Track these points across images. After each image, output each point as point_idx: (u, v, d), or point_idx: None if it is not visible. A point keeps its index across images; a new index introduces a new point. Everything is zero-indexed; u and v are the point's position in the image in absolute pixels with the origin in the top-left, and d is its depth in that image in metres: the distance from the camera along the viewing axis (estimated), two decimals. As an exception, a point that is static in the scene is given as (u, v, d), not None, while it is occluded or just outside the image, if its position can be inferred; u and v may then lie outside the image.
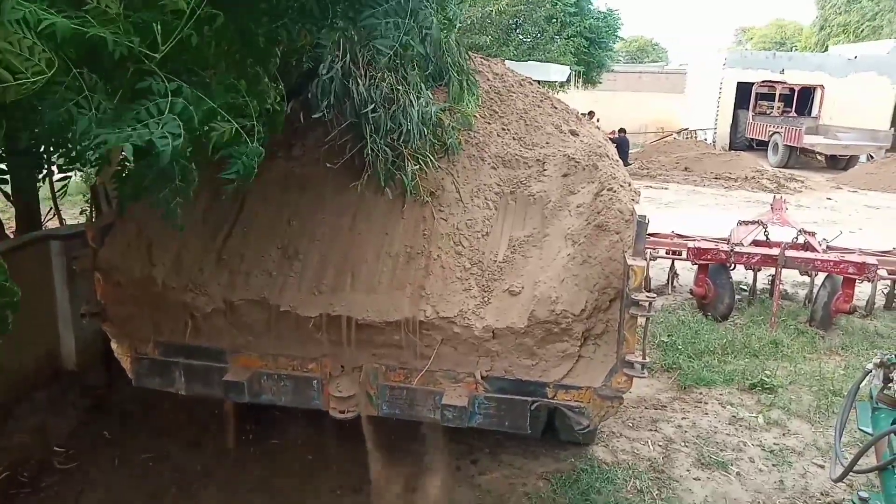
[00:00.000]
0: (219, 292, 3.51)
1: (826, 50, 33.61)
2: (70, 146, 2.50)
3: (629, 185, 3.84)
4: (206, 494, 3.81)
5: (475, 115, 3.96)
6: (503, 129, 4.11)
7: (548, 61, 16.56)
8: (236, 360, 3.63)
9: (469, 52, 4.18)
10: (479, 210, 3.72)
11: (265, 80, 2.83)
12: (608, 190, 3.57)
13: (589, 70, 22.54)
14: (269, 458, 4.13)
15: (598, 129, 5.16)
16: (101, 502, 3.69)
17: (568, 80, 18.99)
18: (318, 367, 3.55)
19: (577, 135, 4.22)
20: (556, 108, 4.49)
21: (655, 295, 3.29)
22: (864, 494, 2.63)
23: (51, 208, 5.41)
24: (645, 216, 3.15)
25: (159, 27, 1.97)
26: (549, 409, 3.52)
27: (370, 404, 3.55)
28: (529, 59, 16.06)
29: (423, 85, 3.66)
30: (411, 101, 3.43)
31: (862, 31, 35.02)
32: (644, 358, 3.17)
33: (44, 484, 3.81)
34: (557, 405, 3.45)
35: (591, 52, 21.36)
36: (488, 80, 4.45)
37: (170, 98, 2.09)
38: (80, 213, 5.58)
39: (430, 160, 3.66)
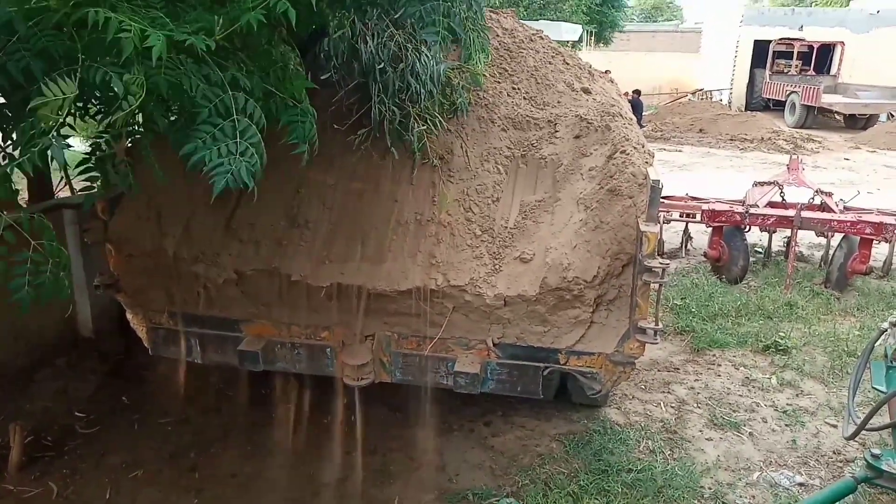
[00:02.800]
0: (229, 263, 3.52)
1: (847, 4, 32.61)
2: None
3: (643, 146, 3.76)
4: (225, 457, 3.88)
5: (484, 75, 3.88)
6: (513, 89, 4.03)
7: (559, 20, 16.22)
8: (250, 329, 3.66)
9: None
10: (489, 175, 3.67)
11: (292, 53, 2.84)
12: (621, 152, 3.51)
13: (601, 30, 22.05)
14: (287, 421, 4.19)
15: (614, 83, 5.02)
16: (123, 464, 3.78)
17: (580, 40, 18.60)
18: (330, 336, 3.58)
19: (590, 92, 4.13)
20: (567, 63, 4.38)
21: (668, 261, 3.25)
22: (876, 451, 2.64)
23: (62, 178, 5.42)
24: (658, 181, 3.09)
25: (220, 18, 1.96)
26: (562, 374, 3.53)
27: (384, 371, 3.58)
28: (541, 19, 15.73)
29: (431, 42, 3.59)
30: (421, 60, 3.37)
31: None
32: (657, 324, 3.15)
33: (67, 447, 3.90)
34: (569, 371, 3.46)
35: (602, 12, 20.88)
36: (497, 35, 4.33)
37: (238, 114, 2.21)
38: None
39: (439, 120, 3.60)
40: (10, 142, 2.44)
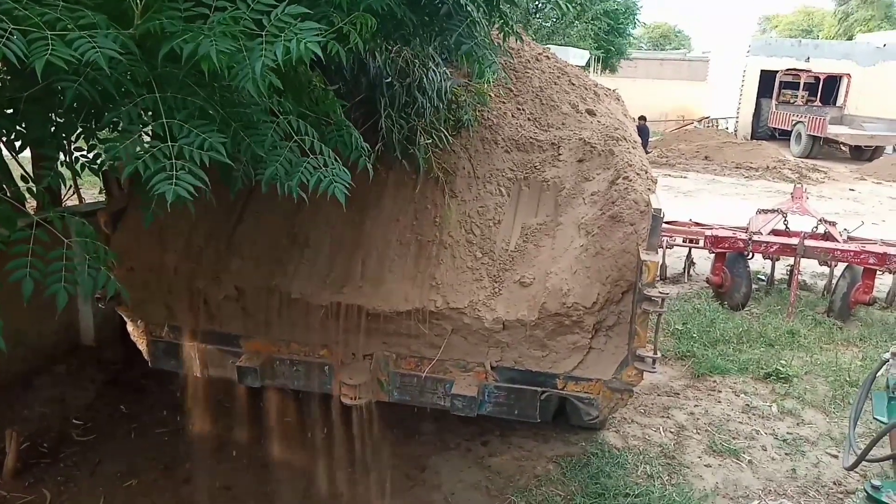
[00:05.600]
0: (230, 279, 3.53)
1: (852, 38, 32.90)
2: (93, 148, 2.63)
3: (646, 172, 3.76)
4: (220, 469, 3.86)
5: (490, 95, 3.92)
6: (518, 110, 4.06)
7: (567, 45, 16.40)
8: (249, 345, 3.66)
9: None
10: (491, 197, 3.68)
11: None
12: (624, 178, 3.51)
13: (608, 56, 22.27)
14: (284, 434, 4.17)
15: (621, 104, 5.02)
16: (118, 473, 3.76)
17: (587, 65, 18.78)
18: (329, 354, 3.57)
19: (595, 114, 4.15)
20: (573, 84, 4.41)
21: (668, 291, 3.26)
22: (876, 483, 2.61)
23: (70, 186, 5.48)
24: (660, 209, 3.10)
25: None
26: (560, 397, 3.52)
27: (381, 391, 3.57)
28: (549, 44, 15.91)
29: (439, 59, 3.65)
30: (428, 76, 3.42)
31: (881, 27, 34.31)
32: (655, 353, 3.14)
33: (62, 454, 3.89)
34: (567, 396, 3.45)
35: (609, 39, 21.12)
36: (502, 55, 4.37)
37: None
38: (99, 191, 5.65)
39: (444, 135, 3.63)
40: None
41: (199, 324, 3.65)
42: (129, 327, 3.90)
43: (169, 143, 1.92)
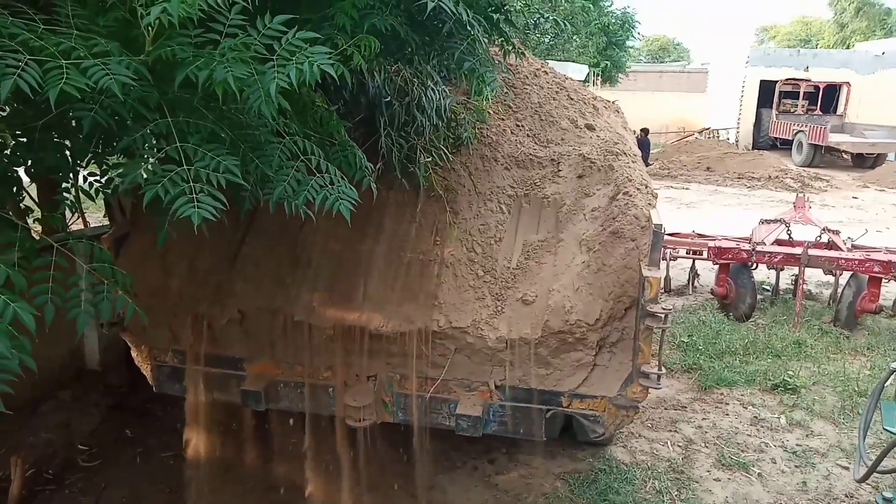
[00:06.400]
0: (233, 302, 3.53)
1: (851, 47, 33.05)
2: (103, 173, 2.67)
3: (646, 187, 3.76)
4: (225, 492, 3.84)
5: (489, 112, 3.94)
6: (517, 126, 4.08)
7: (566, 61, 16.51)
8: (253, 368, 3.65)
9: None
10: (492, 214, 3.68)
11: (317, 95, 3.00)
12: (624, 194, 3.51)
13: (607, 69, 22.39)
14: (289, 458, 4.15)
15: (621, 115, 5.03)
16: (124, 499, 3.75)
17: (586, 80, 18.89)
18: (333, 376, 3.56)
19: (594, 129, 4.17)
20: (572, 98, 4.42)
21: (671, 307, 3.24)
22: (888, 495, 2.59)
23: (75, 211, 5.51)
24: (661, 225, 3.09)
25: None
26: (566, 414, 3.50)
27: (386, 412, 3.56)
28: (548, 59, 16.01)
29: (438, 77, 3.68)
30: (427, 94, 3.45)
31: (876, 36, 34.52)
32: (660, 369, 3.12)
33: (68, 481, 3.88)
34: (572, 414, 3.43)
35: (607, 53, 21.24)
36: (501, 72, 4.40)
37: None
38: (104, 216, 5.69)
39: (444, 153, 3.65)
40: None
41: (203, 348, 3.65)
42: (133, 352, 3.90)
43: (185, 167, 1.94)
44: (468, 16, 2.59)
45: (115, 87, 1.73)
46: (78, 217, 5.58)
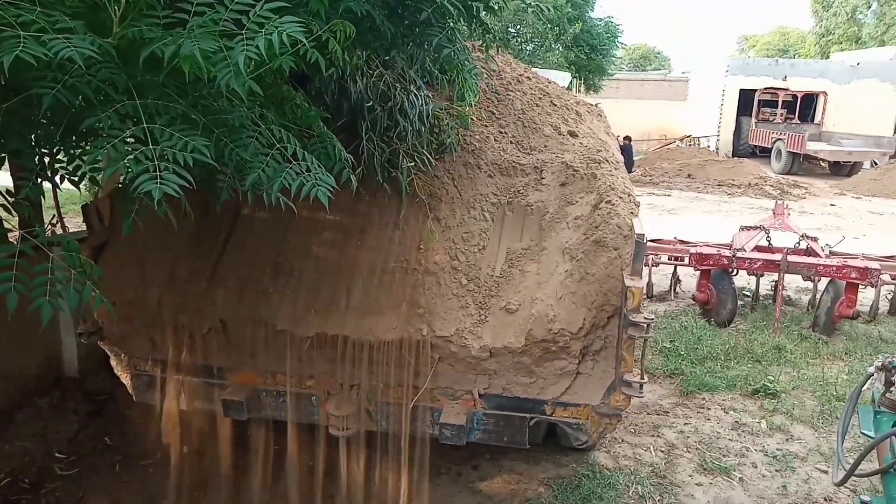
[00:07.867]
0: (214, 311, 3.48)
1: (828, 57, 33.67)
2: (72, 158, 2.58)
3: (628, 195, 3.77)
4: (205, 501, 3.80)
5: (472, 118, 3.94)
6: (500, 133, 4.08)
7: (548, 68, 16.62)
8: (235, 377, 3.61)
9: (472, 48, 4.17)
10: (475, 222, 3.67)
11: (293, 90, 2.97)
12: (606, 202, 3.52)
13: (590, 76, 22.51)
14: (270, 465, 4.11)
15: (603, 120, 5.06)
16: (102, 508, 3.69)
17: (569, 87, 19.01)
18: (316, 384, 3.54)
19: (577, 136, 4.18)
20: (555, 105, 4.43)
21: (654, 316, 3.24)
22: (866, 498, 2.61)
23: (53, 216, 5.44)
24: (643, 234, 3.11)
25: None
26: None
27: (369, 420, 3.54)
28: (531, 67, 16.10)
29: (420, 82, 3.67)
30: (410, 99, 3.44)
31: (864, 42, 35.14)
32: (643, 377, 3.14)
33: (45, 490, 3.80)
34: (555, 422, 3.44)
35: (591, 59, 21.35)
36: (484, 77, 4.37)
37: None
38: (83, 221, 5.62)
39: (427, 159, 3.64)
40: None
41: (184, 357, 3.60)
42: (112, 361, 3.84)
43: (151, 147, 1.89)
44: None
45: (78, 58, 1.65)
46: (57, 222, 5.51)
